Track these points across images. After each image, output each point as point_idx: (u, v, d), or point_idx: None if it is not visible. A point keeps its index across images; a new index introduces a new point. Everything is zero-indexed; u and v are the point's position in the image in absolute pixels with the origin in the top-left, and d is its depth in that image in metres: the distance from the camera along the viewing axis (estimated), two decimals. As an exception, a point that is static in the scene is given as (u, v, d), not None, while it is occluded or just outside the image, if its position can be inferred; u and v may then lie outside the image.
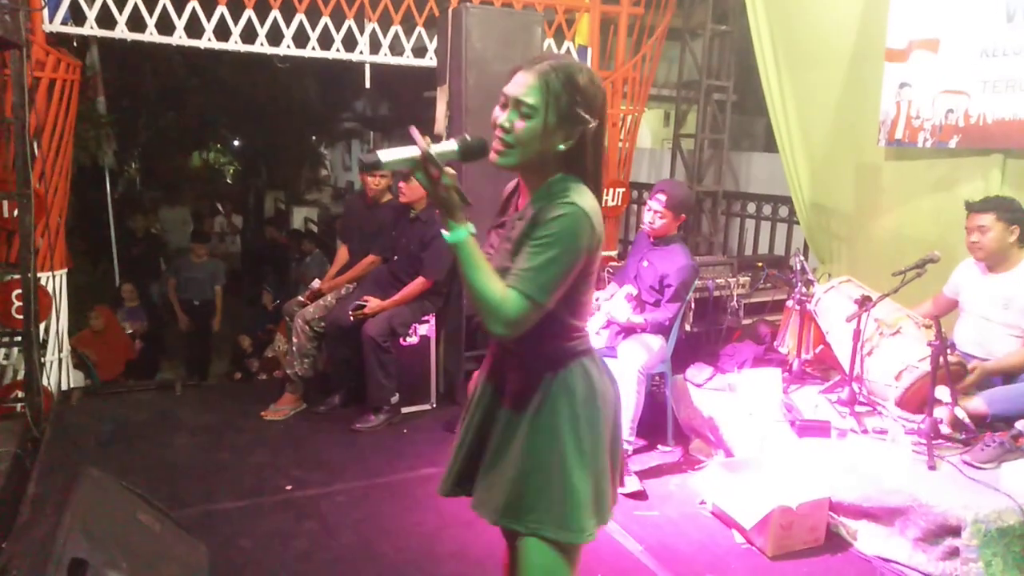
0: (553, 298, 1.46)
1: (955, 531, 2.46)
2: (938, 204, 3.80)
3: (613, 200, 5.56)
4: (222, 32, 4.33)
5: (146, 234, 8.06)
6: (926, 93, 3.69)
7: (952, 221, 3.53)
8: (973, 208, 3.15)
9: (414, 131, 1.43)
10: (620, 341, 3.52)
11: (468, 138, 1.48)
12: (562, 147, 1.51)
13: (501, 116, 1.51)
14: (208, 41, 4.31)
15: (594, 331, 3.70)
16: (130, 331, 6.01)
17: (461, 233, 1.44)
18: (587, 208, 1.46)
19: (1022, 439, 2.78)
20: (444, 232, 1.45)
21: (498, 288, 1.44)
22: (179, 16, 4.23)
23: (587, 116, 1.50)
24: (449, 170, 1.42)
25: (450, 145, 1.46)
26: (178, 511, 2.76)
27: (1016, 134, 3.31)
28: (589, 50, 5.12)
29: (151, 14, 4.18)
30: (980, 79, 3.43)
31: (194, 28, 4.29)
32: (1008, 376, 3.06)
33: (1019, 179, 3.42)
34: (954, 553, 2.47)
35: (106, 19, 4.11)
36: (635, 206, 6.63)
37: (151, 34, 4.21)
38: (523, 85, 1.48)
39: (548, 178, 1.54)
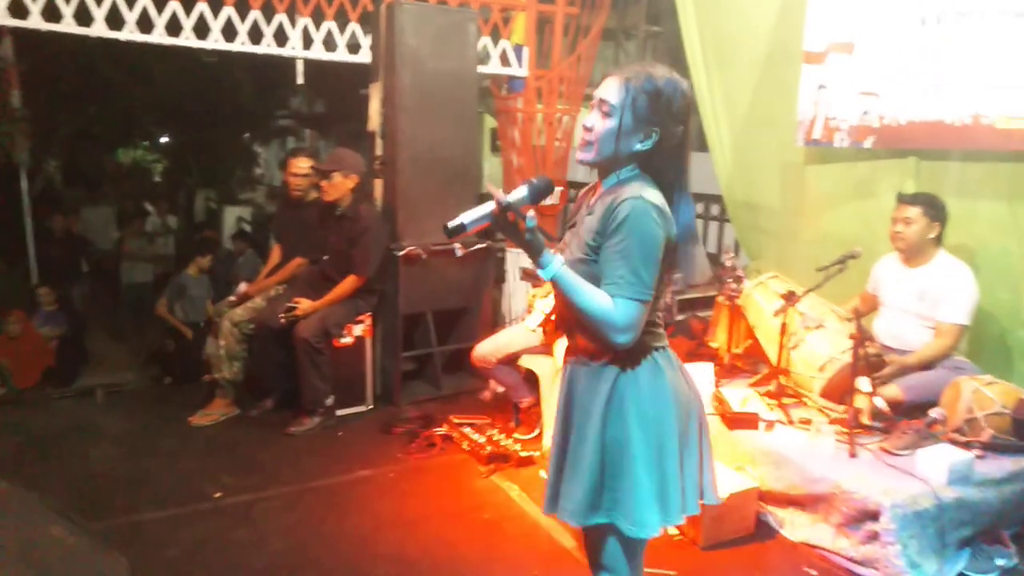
0: (653, 289, 1.54)
1: (874, 516, 2.56)
2: (858, 202, 3.95)
3: (551, 199, 5.60)
4: (145, 24, 4.17)
5: (67, 234, 7.68)
6: (842, 94, 3.82)
7: (871, 218, 3.68)
8: (903, 200, 3.28)
9: (491, 188, 1.53)
10: (556, 339, 3.54)
11: (535, 181, 1.59)
12: (639, 147, 1.59)
13: (588, 117, 1.62)
14: (130, 33, 4.15)
15: (531, 328, 3.71)
16: (49, 336, 5.71)
17: (553, 267, 1.53)
18: (649, 198, 1.54)
19: (935, 426, 2.92)
20: (539, 271, 1.53)
21: (604, 302, 1.52)
22: (99, 6, 4.05)
23: (663, 120, 1.57)
24: (530, 213, 1.51)
25: (520, 192, 1.56)
26: (98, 523, 2.66)
27: (928, 136, 3.46)
28: (525, 49, 5.14)
29: (68, 3, 3.99)
30: (893, 81, 3.57)
31: (115, 19, 4.12)
32: (925, 367, 3.20)
33: (932, 179, 3.58)
34: (874, 537, 2.57)
35: (19, 8, 3.91)
36: (572, 205, 6.68)
37: (68, 25, 4.02)
38: (607, 86, 1.60)
39: (621, 175, 1.62)
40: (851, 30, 3.78)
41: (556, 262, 1.53)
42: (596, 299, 1.52)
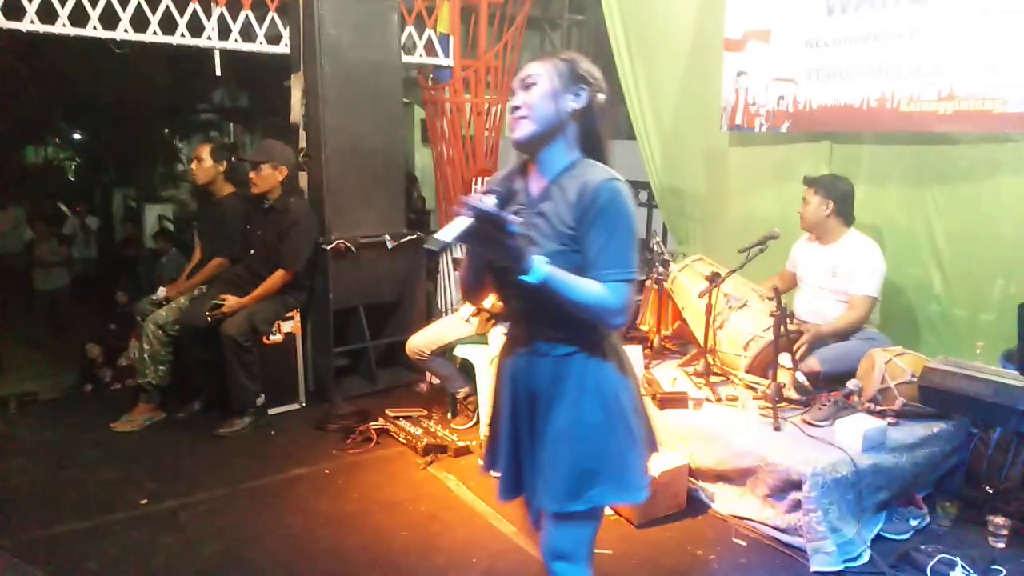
0: (637, 267, 1.56)
1: (797, 485, 2.66)
2: (777, 185, 4.10)
3: (482, 189, 5.60)
4: (47, 14, 3.95)
5: (-28, 239, 7.27)
6: (760, 81, 3.95)
7: (790, 200, 3.81)
8: (804, 181, 3.47)
9: (469, 199, 1.42)
10: (490, 327, 3.55)
11: (498, 189, 1.60)
12: (574, 105, 1.60)
13: (514, 100, 1.62)
14: (31, 24, 3.92)
15: (464, 318, 3.71)
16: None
17: (541, 270, 1.47)
18: (619, 177, 1.56)
19: (852, 397, 3.06)
20: (525, 277, 1.46)
21: (596, 290, 1.52)
22: (-6, -5, 3.82)
23: (588, 78, 1.61)
24: (514, 217, 1.45)
25: (490, 200, 1.49)
26: (13, 539, 2.53)
27: (839, 119, 3.61)
28: (451, 38, 5.10)
29: (-41, -8, 3.75)
30: (805, 68, 3.71)
31: (14, 9, 3.89)
32: (839, 338, 3.35)
33: (844, 162, 3.74)
34: (797, 505, 2.66)
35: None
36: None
37: (-40, 15, 3.77)
38: (525, 68, 1.63)
39: (567, 156, 1.62)
40: (767, 18, 3.90)
41: (542, 264, 1.48)
42: (588, 289, 1.52)
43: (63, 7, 3.96)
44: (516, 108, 1.61)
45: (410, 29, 4.88)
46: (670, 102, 4.69)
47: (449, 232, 1.42)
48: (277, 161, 3.79)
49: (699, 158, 4.64)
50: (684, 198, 4.83)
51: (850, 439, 2.77)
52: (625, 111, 5.04)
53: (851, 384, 3.10)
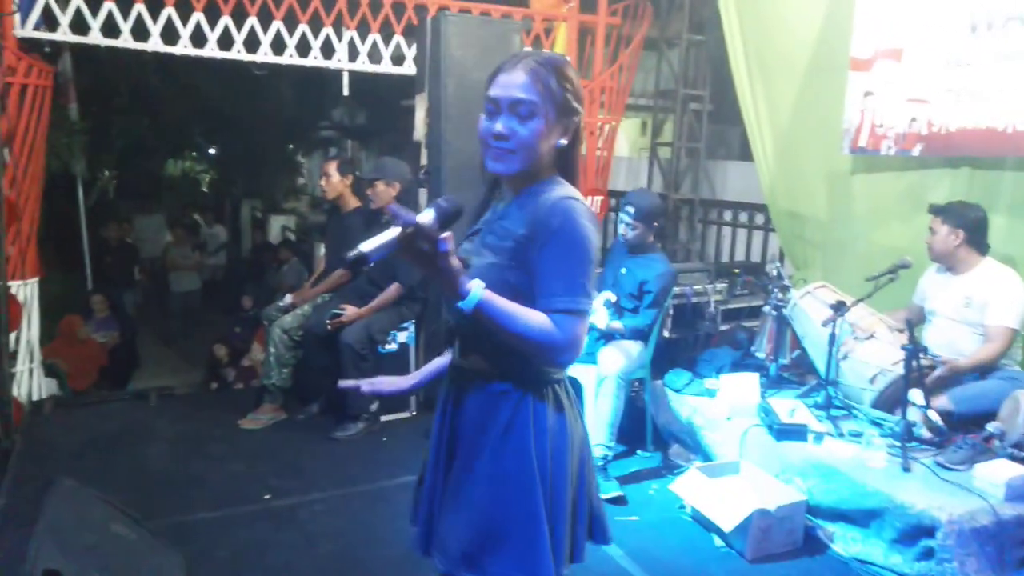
0: (592, 299, 1.38)
1: (930, 532, 2.50)
2: (906, 211, 3.88)
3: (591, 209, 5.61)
4: (198, 39, 4.31)
5: (120, 243, 7.95)
6: (890, 102, 3.76)
7: (920, 228, 3.60)
8: (929, 210, 3.29)
9: (396, 207, 1.27)
10: (600, 347, 3.54)
11: (443, 203, 1.35)
12: (563, 142, 1.43)
13: (495, 124, 1.39)
14: (184, 48, 4.29)
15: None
16: (101, 341, 5.92)
17: (475, 295, 1.30)
18: (579, 197, 1.41)
19: (992, 440, 2.84)
20: (459, 304, 1.31)
21: (540, 322, 1.34)
22: (154, 22, 4.20)
23: (578, 106, 1.43)
24: (446, 234, 1.26)
25: (426, 216, 1.31)
26: (153, 522, 2.71)
27: (978, 143, 3.39)
28: (568, 59, 5.17)
29: (126, 20, 4.14)
30: (943, 88, 3.51)
31: (170, 35, 4.26)
32: (977, 374, 3.12)
33: (983, 187, 3.50)
34: (929, 554, 2.50)
35: (79, 25, 4.08)
36: (613, 214, 6.67)
37: (125, 40, 4.17)
38: (515, 85, 1.38)
39: (538, 176, 1.44)
40: (900, 36, 3.73)
41: (478, 288, 1.31)
42: (530, 320, 1.33)
43: (212, 32, 4.30)
44: (502, 137, 1.38)
45: (528, 50, 4.98)
46: (791, 123, 4.55)
47: (371, 244, 1.27)
48: (390, 178, 3.94)
49: (819, 181, 4.47)
50: (803, 222, 4.65)
51: (991, 486, 2.58)
52: (742, 132, 4.93)
53: (992, 426, 2.88)
